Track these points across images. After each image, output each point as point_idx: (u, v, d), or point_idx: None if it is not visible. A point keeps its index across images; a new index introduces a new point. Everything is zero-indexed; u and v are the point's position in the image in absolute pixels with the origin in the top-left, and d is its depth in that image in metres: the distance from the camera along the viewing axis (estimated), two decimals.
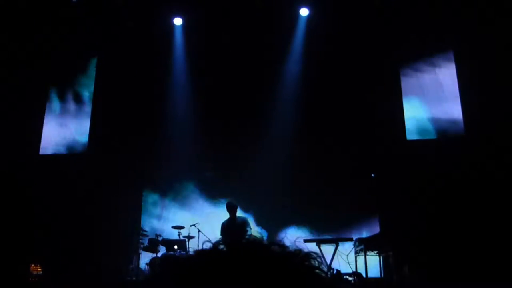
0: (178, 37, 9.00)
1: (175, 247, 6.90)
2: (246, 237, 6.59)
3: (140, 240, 8.08)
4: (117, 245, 7.88)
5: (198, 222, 8.24)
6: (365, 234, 8.04)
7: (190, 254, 0.92)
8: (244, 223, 6.91)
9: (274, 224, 8.44)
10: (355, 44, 8.25)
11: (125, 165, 8.29)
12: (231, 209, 6.91)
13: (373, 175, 8.34)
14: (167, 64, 9.01)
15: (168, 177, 8.78)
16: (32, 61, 8.23)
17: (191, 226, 8.10)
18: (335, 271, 6.50)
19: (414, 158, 7.65)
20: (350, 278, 6.59)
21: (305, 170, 8.53)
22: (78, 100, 8.58)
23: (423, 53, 8.07)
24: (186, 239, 7.55)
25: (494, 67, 7.41)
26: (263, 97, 8.79)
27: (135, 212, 8.56)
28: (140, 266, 7.98)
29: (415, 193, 7.54)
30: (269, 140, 8.59)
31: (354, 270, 7.59)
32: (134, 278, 7.79)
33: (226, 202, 7.18)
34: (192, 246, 7.54)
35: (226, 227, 6.91)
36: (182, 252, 6.43)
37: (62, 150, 8.30)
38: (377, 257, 7.70)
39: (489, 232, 7.02)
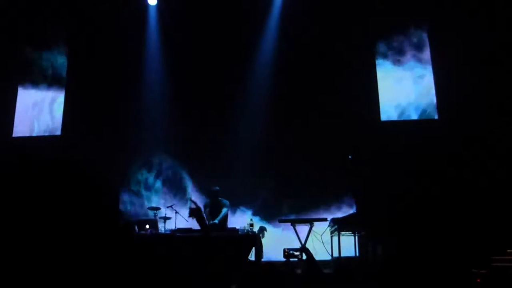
0: (153, 17, 8.90)
1: (147, 226, 7.00)
2: (221, 215, 6.74)
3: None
4: (94, 227, 7.87)
5: (175, 203, 8.38)
6: (341, 214, 8.12)
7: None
8: (223, 204, 7.11)
9: (250, 204, 8.53)
10: (331, 26, 8.22)
11: (102, 146, 8.27)
12: (212, 195, 7.09)
13: (350, 156, 8.39)
14: (141, 44, 8.93)
15: (146, 160, 8.79)
16: (4, 43, 8.13)
17: (167, 207, 8.19)
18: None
19: (389, 138, 7.70)
20: (296, 253, 6.64)
21: (281, 152, 8.65)
22: (52, 81, 8.47)
23: (399, 34, 8.05)
24: (158, 219, 7.70)
25: (469, 45, 7.41)
26: (239, 77, 8.78)
27: (113, 194, 8.55)
28: None
29: (390, 174, 7.60)
30: (243, 121, 8.66)
31: (329, 251, 7.70)
32: None
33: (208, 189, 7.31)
34: (169, 226, 7.64)
35: (206, 206, 7.12)
36: (153, 231, 6.48)
37: (36, 132, 8.24)
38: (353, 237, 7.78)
39: (464, 212, 7.09)
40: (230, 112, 8.79)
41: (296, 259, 6.75)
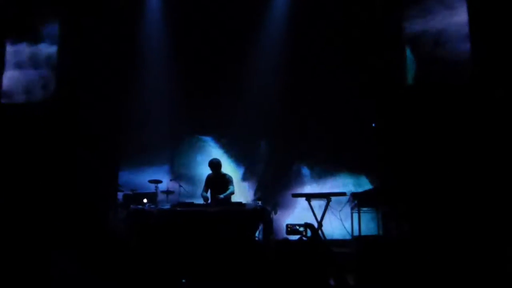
0: None
1: (144, 200, 6.50)
2: (228, 192, 6.14)
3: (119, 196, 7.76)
4: (93, 202, 7.42)
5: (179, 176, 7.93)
6: (362, 188, 7.54)
7: None
8: (228, 180, 6.57)
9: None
10: None
11: (100, 118, 7.71)
12: (214, 167, 6.55)
13: (373, 125, 7.72)
14: (141, 20, 8.45)
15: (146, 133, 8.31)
16: None
17: (171, 180, 7.66)
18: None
19: (417, 103, 6.90)
20: (301, 229, 6.03)
21: (305, 120, 8.23)
22: (44, 39, 7.88)
23: None
24: (158, 192, 7.38)
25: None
26: (252, 47, 8.28)
27: (112, 167, 8.05)
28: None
29: (418, 142, 6.81)
30: (258, 87, 8.21)
31: (348, 229, 7.12)
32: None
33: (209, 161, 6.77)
34: (172, 200, 7.15)
35: (209, 179, 6.64)
36: (151, 206, 5.94)
37: (29, 98, 7.71)
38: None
39: (491, 183, 6.30)
40: (244, 78, 8.30)
41: (300, 236, 6.16)
